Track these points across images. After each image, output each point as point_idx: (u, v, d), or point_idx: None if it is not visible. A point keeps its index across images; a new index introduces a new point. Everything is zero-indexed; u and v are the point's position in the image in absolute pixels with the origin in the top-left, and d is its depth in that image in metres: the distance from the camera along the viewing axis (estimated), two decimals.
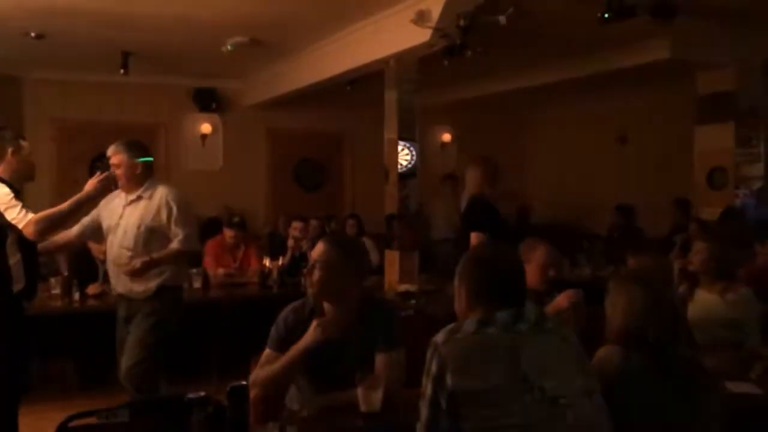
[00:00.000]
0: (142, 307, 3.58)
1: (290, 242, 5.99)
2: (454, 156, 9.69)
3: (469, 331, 1.77)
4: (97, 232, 3.72)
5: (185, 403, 1.91)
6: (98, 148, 7.59)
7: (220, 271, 5.69)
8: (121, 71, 6.62)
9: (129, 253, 3.51)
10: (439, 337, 1.78)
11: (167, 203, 3.56)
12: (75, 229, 3.70)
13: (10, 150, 3.36)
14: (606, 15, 4.61)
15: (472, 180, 4.37)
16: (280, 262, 5.61)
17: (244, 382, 2.00)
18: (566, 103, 9.05)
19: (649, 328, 2.03)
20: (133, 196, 3.59)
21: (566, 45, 6.23)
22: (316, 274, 2.40)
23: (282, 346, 2.45)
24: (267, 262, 5.58)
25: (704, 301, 3.31)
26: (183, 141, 8.33)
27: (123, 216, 3.58)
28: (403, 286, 5.11)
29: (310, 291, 2.49)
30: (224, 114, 8.46)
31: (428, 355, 1.77)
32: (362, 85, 6.91)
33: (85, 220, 3.71)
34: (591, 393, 1.79)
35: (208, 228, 7.19)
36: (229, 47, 6.02)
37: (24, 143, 3.43)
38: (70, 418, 2.01)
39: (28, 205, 3.35)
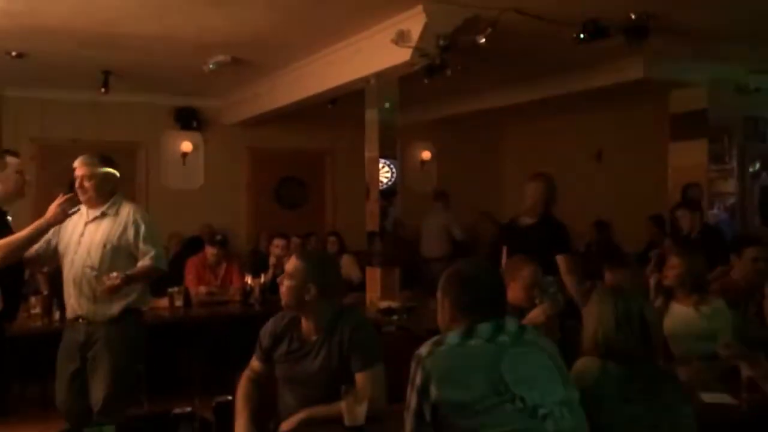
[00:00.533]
0: (106, 331, 3.36)
1: (272, 260, 6.01)
2: (434, 173, 9.78)
3: (453, 344, 1.82)
4: (53, 256, 3.47)
5: (171, 418, 1.93)
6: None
7: (202, 289, 5.68)
8: (102, 90, 6.64)
9: (93, 273, 3.32)
10: (423, 349, 1.83)
11: (135, 221, 3.42)
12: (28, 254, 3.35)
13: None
14: (581, 36, 4.74)
15: (536, 197, 4.36)
16: (262, 279, 5.62)
17: (229, 398, 2.03)
18: (543, 120, 9.19)
19: (620, 339, 2.10)
20: (96, 213, 3.42)
21: (543, 64, 6.35)
22: (284, 285, 2.53)
23: (267, 356, 2.57)
24: (249, 279, 5.59)
25: (679, 314, 3.38)
26: (164, 159, 8.32)
27: (85, 234, 3.39)
28: (385, 302, 5.14)
29: (282, 301, 2.57)
30: (205, 132, 8.47)
31: (412, 367, 1.81)
32: (343, 103, 6.97)
33: (40, 244, 3.36)
34: (570, 403, 1.85)
35: (189, 246, 7.18)
36: (211, 66, 6.05)
37: (10, 159, 3.35)
38: None
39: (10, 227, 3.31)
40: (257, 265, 6.30)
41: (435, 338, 1.87)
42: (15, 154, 3.43)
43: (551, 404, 1.77)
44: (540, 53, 5.90)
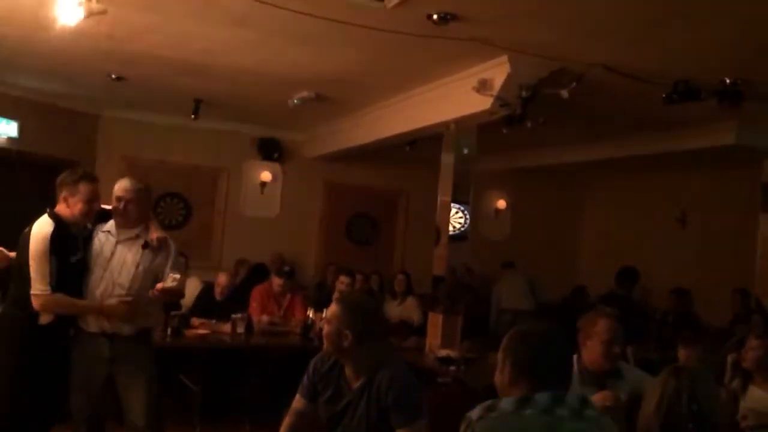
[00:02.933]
0: (133, 347, 3.45)
1: (336, 295, 6.00)
2: (507, 223, 9.64)
3: (506, 411, 1.72)
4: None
5: None
6: (165, 186, 7.90)
7: (265, 318, 5.73)
8: (192, 116, 6.93)
9: (123, 291, 3.42)
10: (474, 413, 1.73)
11: (168, 247, 3.55)
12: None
13: (64, 193, 3.39)
14: (671, 96, 4.60)
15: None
16: (324, 314, 5.61)
17: None
18: (625, 179, 8.95)
19: (664, 419, 1.95)
20: (129, 234, 3.51)
21: (628, 122, 6.20)
22: (324, 330, 2.55)
23: (311, 394, 2.53)
24: (311, 313, 5.60)
25: (758, 398, 3.15)
26: (243, 187, 8.55)
27: (116, 253, 3.48)
28: (444, 351, 5.03)
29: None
30: (285, 164, 8.66)
31: (461, 428, 1.73)
32: (421, 145, 7.00)
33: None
34: None
35: (255, 273, 7.31)
36: (295, 101, 6.22)
37: (82, 187, 3.40)
38: None
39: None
40: (322, 299, 6.33)
41: (488, 402, 1.77)
42: (93, 179, 3.47)
43: None
44: (626, 110, 5.77)
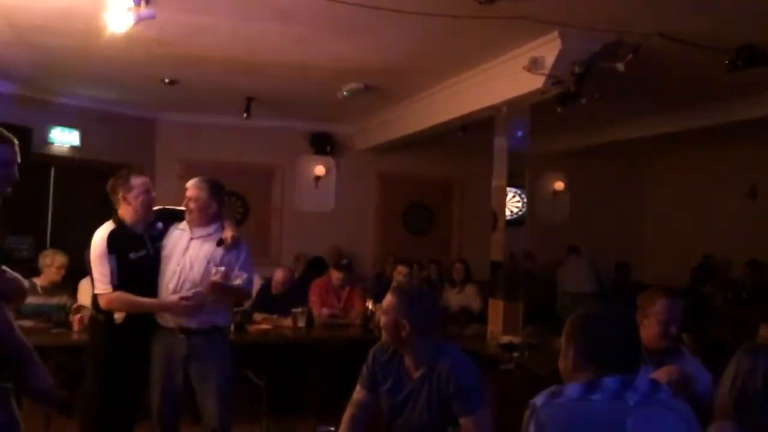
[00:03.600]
0: (207, 343, 3.51)
1: (394, 285, 5.98)
2: (566, 205, 9.43)
3: (572, 397, 1.65)
4: None
5: None
6: (226, 186, 8.01)
7: (325, 311, 5.76)
8: (244, 115, 7.01)
9: (193, 286, 3.49)
10: (539, 399, 1.66)
11: (240, 246, 3.61)
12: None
13: (120, 194, 3.48)
14: (734, 63, 4.38)
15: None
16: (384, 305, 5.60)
17: (332, 428, 1.99)
18: (688, 153, 8.62)
19: (738, 398, 1.83)
20: (202, 232, 3.59)
21: (689, 93, 5.95)
22: (382, 321, 2.55)
23: (372, 384, 2.51)
24: (370, 304, 5.59)
25: None
26: (298, 182, 8.62)
27: (189, 249, 3.56)
28: (506, 337, 4.95)
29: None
30: (338, 157, 8.69)
31: (526, 415, 1.66)
32: (474, 130, 6.89)
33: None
34: None
35: (312, 267, 7.36)
36: (345, 93, 6.21)
37: (134, 180, 3.49)
38: None
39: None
40: (381, 290, 6.31)
41: (553, 388, 1.70)
42: (141, 172, 3.61)
43: None
44: (687, 81, 5.53)
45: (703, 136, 7.25)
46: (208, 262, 3.52)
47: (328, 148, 8.57)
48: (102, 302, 3.40)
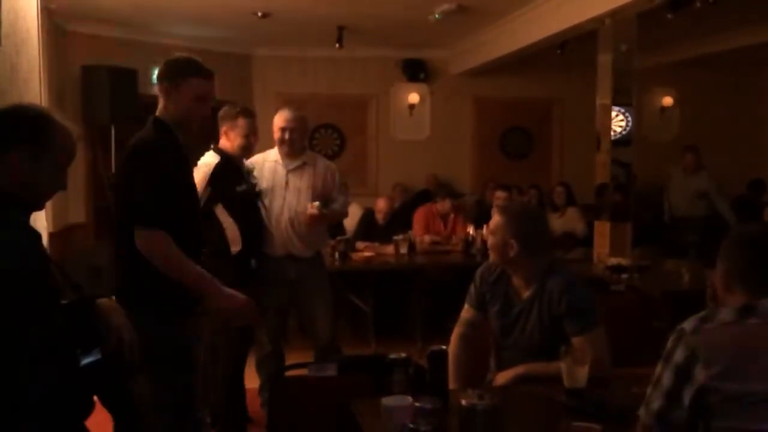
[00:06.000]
0: (313, 268, 3.73)
1: (494, 211, 5.93)
2: (676, 122, 8.91)
3: (726, 321, 1.52)
4: None
5: (388, 363, 1.97)
6: (317, 119, 8.10)
7: (426, 238, 5.80)
8: (336, 45, 6.97)
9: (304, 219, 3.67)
10: (688, 324, 1.54)
11: (333, 172, 3.82)
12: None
13: (225, 127, 3.54)
14: None
15: None
16: (485, 230, 5.58)
17: (443, 347, 2.01)
18: None
19: None
20: (297, 163, 3.71)
21: None
22: (489, 241, 2.51)
23: (480, 303, 2.52)
24: (471, 230, 5.58)
25: None
26: (392, 111, 8.57)
27: (289, 181, 3.69)
28: (614, 259, 4.81)
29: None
30: (432, 84, 8.54)
31: (671, 341, 1.55)
32: (573, 48, 6.56)
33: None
34: None
35: (419, 198, 7.40)
36: (437, 15, 6.03)
37: (240, 121, 3.51)
38: (286, 368, 2.17)
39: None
40: (481, 216, 6.28)
41: (702, 313, 1.57)
42: (251, 114, 3.59)
43: None
44: None
45: None
46: (314, 189, 3.68)
47: (422, 75, 8.42)
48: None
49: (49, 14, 5.46)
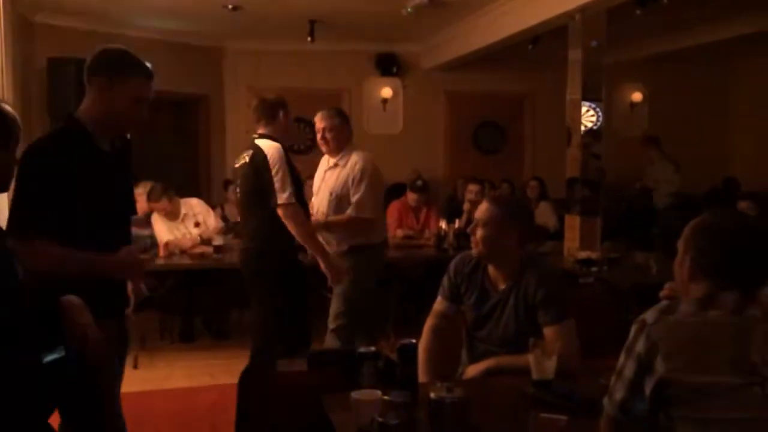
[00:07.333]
0: (342, 263, 3.77)
1: (466, 205, 5.96)
2: (645, 117, 9.03)
3: (687, 313, 1.53)
4: None
5: (357, 357, 1.97)
6: (292, 113, 8.04)
7: (399, 232, 5.82)
8: (309, 39, 6.93)
9: (323, 216, 3.85)
10: (649, 315, 1.54)
11: (353, 170, 3.80)
12: None
13: (281, 113, 3.55)
14: None
15: None
16: (456, 224, 5.60)
17: (413, 341, 2.01)
18: None
19: None
20: (332, 163, 3.89)
21: None
22: (479, 233, 2.42)
23: (454, 295, 2.52)
24: (443, 224, 5.60)
25: None
26: (365, 105, 8.55)
27: (324, 179, 3.91)
28: (584, 252, 4.87)
29: (474, 251, 2.48)
30: (404, 78, 8.54)
31: (633, 331, 1.55)
32: (545, 43, 6.61)
33: None
34: None
35: (393, 191, 7.38)
36: (409, 9, 6.04)
37: (282, 112, 3.56)
38: (255, 363, 2.16)
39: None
40: (453, 211, 6.30)
41: (664, 304, 1.58)
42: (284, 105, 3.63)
43: None
44: None
45: None
46: (331, 194, 3.83)
47: (395, 69, 8.42)
48: (287, 212, 3.36)
49: (13, 5, 5.35)
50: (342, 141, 3.86)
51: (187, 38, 7.44)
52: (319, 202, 3.91)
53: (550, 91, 7.86)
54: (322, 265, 3.55)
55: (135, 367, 4.74)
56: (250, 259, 3.54)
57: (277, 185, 3.33)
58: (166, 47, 7.36)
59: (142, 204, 5.35)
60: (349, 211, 3.81)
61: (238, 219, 4.29)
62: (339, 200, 3.81)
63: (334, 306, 3.82)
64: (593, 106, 5.55)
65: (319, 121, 3.85)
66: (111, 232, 2.25)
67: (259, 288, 3.53)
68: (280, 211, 3.37)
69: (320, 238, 3.70)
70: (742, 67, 8.95)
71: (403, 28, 7.20)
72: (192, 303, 5.44)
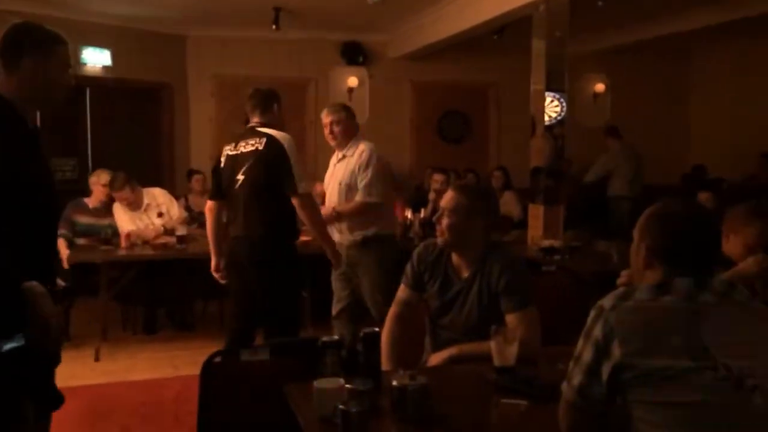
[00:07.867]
0: (360, 255, 3.95)
1: (431, 195, 5.99)
2: (607, 107, 9.14)
3: (643, 299, 1.56)
4: None
5: (320, 345, 1.96)
6: None
7: None
8: (273, 27, 6.85)
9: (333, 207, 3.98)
10: (606, 301, 1.57)
11: (360, 157, 3.92)
12: None
13: (275, 105, 3.68)
14: None
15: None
16: (422, 214, 5.62)
17: (376, 329, 2.02)
18: (737, 45, 8.18)
19: None
20: (340, 155, 4.02)
21: None
22: (444, 222, 2.44)
23: (417, 283, 2.53)
24: (409, 214, 5.62)
25: None
26: (331, 95, 8.49)
27: (334, 172, 4.02)
28: (547, 241, 4.93)
29: (439, 240, 2.49)
30: (371, 67, 8.51)
31: (591, 317, 1.58)
32: (510, 33, 6.64)
33: None
34: None
35: None
36: None
37: (277, 106, 3.71)
38: (216, 354, 2.14)
39: None
40: (419, 200, 6.32)
41: (621, 290, 1.61)
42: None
43: (762, 376, 1.46)
44: None
45: (757, 26, 6.86)
46: (340, 184, 3.94)
47: (361, 58, 8.38)
48: (306, 201, 3.45)
49: None
50: (349, 134, 3.98)
51: (149, 25, 7.29)
52: (329, 194, 4.03)
53: (515, 81, 7.90)
54: (329, 253, 3.74)
55: (96, 359, 4.67)
56: (256, 248, 3.46)
57: (296, 175, 3.38)
58: (127, 34, 7.23)
59: (98, 193, 5.28)
60: (358, 197, 3.91)
61: (203, 209, 4.25)
62: (349, 189, 3.93)
63: (371, 300, 3.96)
64: (557, 96, 5.60)
65: (326, 116, 3.98)
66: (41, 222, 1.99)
67: (267, 278, 3.46)
68: (296, 200, 3.40)
69: (332, 228, 3.91)
70: (701, 57, 9.12)
71: (370, 17, 7.17)
72: (155, 294, 5.37)
